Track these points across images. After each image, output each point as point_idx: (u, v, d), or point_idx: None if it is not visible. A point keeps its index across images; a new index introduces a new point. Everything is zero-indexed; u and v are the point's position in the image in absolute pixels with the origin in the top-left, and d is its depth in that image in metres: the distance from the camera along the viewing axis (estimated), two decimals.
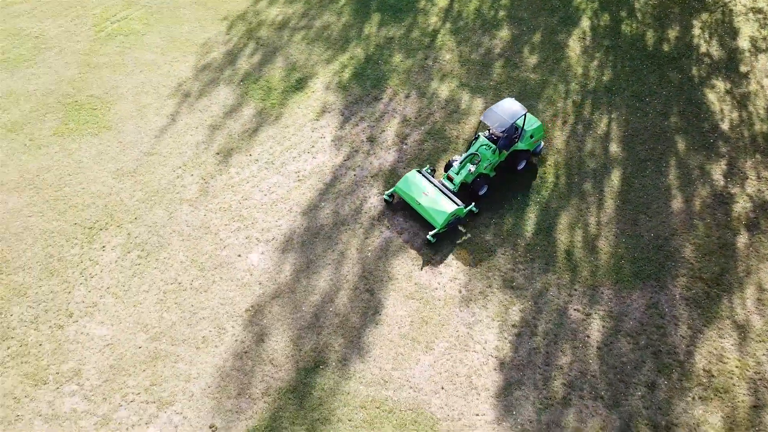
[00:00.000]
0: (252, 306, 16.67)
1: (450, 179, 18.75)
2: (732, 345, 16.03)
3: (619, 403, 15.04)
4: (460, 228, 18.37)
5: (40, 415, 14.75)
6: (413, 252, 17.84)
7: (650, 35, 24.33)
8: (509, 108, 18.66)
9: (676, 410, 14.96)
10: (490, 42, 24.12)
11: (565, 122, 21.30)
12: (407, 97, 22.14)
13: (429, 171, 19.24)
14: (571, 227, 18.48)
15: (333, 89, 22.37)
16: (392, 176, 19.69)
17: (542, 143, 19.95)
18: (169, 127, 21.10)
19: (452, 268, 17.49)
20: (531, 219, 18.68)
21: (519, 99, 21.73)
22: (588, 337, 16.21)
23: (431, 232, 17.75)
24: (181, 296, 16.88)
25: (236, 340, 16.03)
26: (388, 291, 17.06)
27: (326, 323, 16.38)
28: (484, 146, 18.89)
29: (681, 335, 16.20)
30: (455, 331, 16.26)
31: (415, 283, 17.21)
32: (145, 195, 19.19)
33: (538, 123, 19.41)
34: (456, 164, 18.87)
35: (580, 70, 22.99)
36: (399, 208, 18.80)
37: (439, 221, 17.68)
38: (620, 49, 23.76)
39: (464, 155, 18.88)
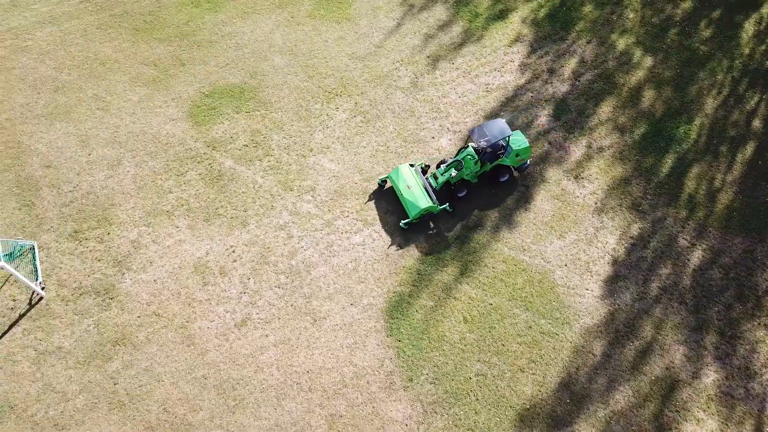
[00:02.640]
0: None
1: (435, 177, 20.76)
2: None
3: (698, 311, 19.03)
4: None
5: (286, 209, 20.93)
6: (567, 165, 22.05)
7: None
8: (496, 128, 20.15)
9: (742, 328, 18.77)
10: (672, 10, 26.68)
11: (719, 93, 24.05)
12: (588, 42, 25.56)
13: (422, 166, 21.12)
14: (699, 177, 21.85)
15: (528, 24, 26.17)
16: (562, 104, 23.60)
17: (528, 162, 21.26)
18: (394, 29, 25.97)
19: (594, 184, 21.60)
20: (667, 163, 22.20)
21: (683, 66, 24.60)
22: (688, 260, 20.05)
23: (404, 221, 20.11)
24: (387, 156, 22.26)
25: None
26: (539, 189, 21.55)
27: (488, 199, 21.24)
28: (470, 156, 20.40)
29: (765, 278, 19.67)
30: (585, 229, 20.63)
31: (562, 189, 21.55)
32: (370, 77, 24.42)
33: (526, 144, 20.60)
34: (443, 166, 20.75)
35: (746, 51, 25.27)
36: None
37: (412, 213, 19.95)
38: None
39: (452, 160, 20.71)
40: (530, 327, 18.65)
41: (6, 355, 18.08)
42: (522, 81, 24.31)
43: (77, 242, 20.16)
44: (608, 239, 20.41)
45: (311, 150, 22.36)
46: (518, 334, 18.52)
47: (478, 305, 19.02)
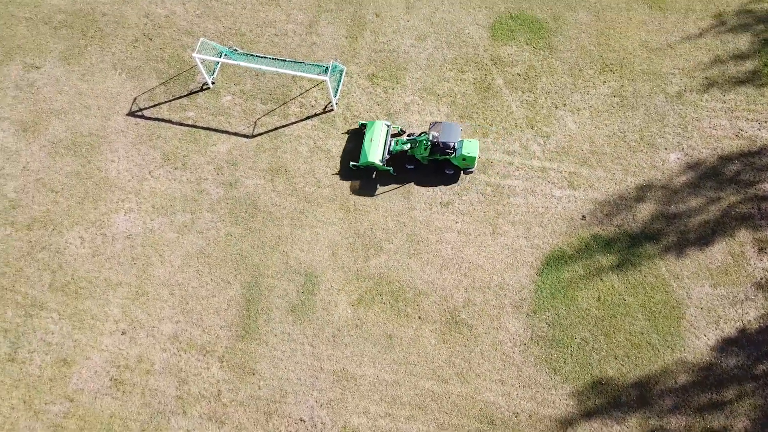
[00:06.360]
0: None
1: (396, 142, 22.66)
2: None
3: None
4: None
5: (519, 141, 23.82)
6: (761, 234, 22.54)
7: None
8: (450, 131, 21.96)
9: None
10: None
11: None
12: None
13: (398, 129, 23.26)
14: None
15: None
16: None
17: (473, 169, 22.76)
18: (693, 36, 25.78)
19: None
20: None
21: None
22: None
23: (353, 162, 22.66)
24: (619, 144, 23.88)
25: (619, 181, 23.17)
26: (723, 240, 22.50)
27: (677, 214, 22.74)
28: (423, 141, 22.06)
29: None
30: (737, 293, 21.65)
31: (742, 251, 22.28)
32: (646, 69, 25.17)
33: (475, 155, 21.97)
34: (405, 137, 22.87)
35: None
36: None
37: (360, 160, 22.34)
38: None
39: (414, 137, 22.60)
40: (642, 333, 21.14)
41: (297, 135, 23.90)
42: None
43: (370, 83, 24.81)
44: (750, 312, 21.54)
45: (564, 105, 24.55)
46: (630, 332, 21.15)
47: (614, 295, 21.64)
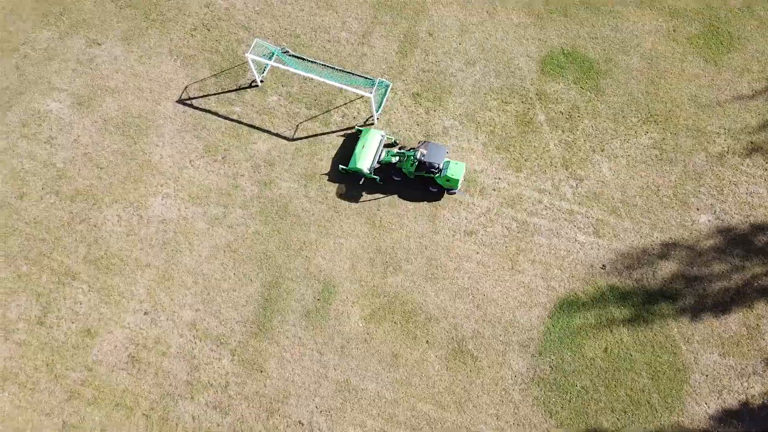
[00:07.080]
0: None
1: (386, 153, 22.85)
2: None
3: None
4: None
5: (551, 180, 23.67)
6: None
7: None
8: (435, 151, 22.07)
9: None
10: None
11: None
12: None
13: (390, 138, 23.43)
14: None
15: None
16: None
17: (456, 191, 22.93)
18: (746, 97, 25.08)
19: None
20: None
21: None
22: None
23: (342, 166, 22.91)
24: (650, 198, 23.55)
25: (645, 235, 22.91)
26: (740, 312, 22.13)
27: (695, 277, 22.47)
28: (411, 157, 22.27)
29: None
30: (746, 365, 21.36)
31: (758, 323, 22.00)
32: (691, 125, 24.60)
33: (459, 178, 22.22)
34: (396, 150, 23.05)
35: None
36: None
37: (349, 165, 22.63)
38: None
39: (403, 151, 22.81)
40: (643, 390, 21.09)
41: (335, 144, 24.16)
42: None
43: (414, 102, 24.88)
44: (756, 386, 21.26)
45: (602, 150, 24.27)
46: (631, 388, 21.11)
47: (622, 349, 21.57)
